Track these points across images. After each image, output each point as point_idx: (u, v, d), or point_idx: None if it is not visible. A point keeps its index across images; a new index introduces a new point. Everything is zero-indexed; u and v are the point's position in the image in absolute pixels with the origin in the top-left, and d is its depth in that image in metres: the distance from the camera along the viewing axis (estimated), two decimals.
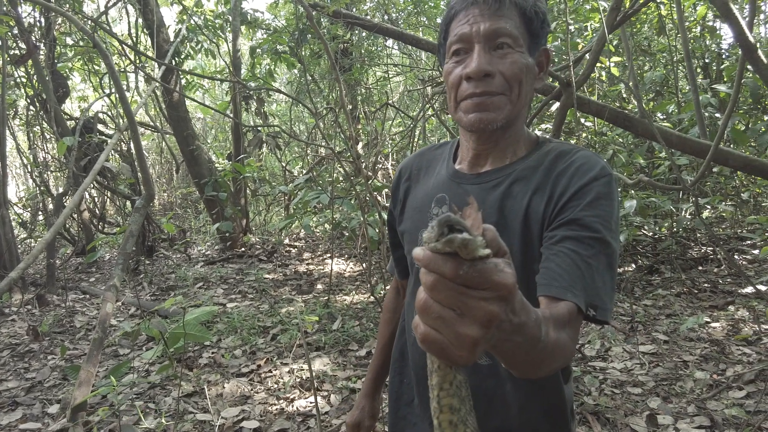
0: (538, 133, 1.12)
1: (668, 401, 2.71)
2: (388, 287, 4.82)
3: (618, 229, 0.84)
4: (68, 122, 6.31)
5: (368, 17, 6.65)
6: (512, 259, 0.78)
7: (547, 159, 0.90)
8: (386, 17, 6.25)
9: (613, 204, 0.83)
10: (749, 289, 4.08)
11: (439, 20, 7.72)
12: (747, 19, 2.64)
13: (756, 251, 5.05)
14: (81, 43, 6.17)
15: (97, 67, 7.05)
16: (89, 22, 3.18)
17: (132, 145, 6.21)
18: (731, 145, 5.45)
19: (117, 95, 6.36)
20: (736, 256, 5.12)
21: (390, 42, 7.37)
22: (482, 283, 0.43)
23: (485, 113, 0.87)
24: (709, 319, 3.68)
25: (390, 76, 7.32)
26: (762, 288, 4.17)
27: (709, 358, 3.13)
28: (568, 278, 0.75)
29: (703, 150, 3.56)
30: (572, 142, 6.38)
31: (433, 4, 7.36)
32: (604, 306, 0.77)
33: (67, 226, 7.18)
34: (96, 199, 7.62)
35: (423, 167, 1.08)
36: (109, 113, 7.13)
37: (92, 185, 6.68)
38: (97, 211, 7.17)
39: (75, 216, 6.57)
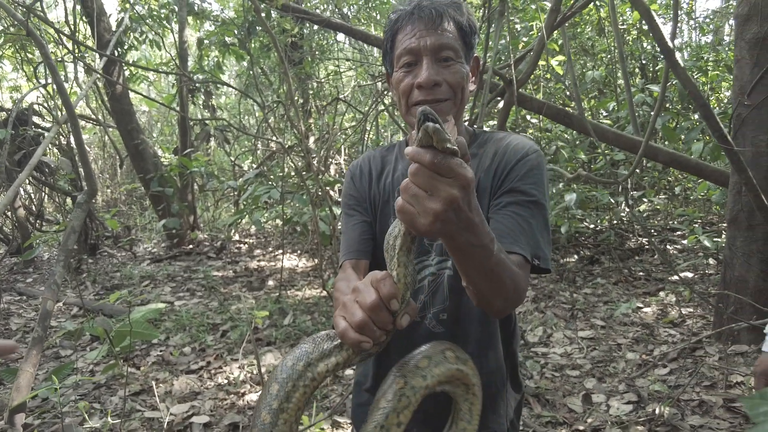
0: (474, 127, 1.21)
1: (602, 381, 2.88)
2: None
3: (548, 194, 1.03)
4: None
5: (318, 11, 6.62)
6: None
7: (486, 145, 1.08)
8: (337, 12, 6.25)
9: (543, 174, 1.01)
10: (677, 277, 4.38)
11: (390, 15, 7.79)
12: (671, 23, 2.83)
13: (685, 241, 5.41)
14: (12, 30, 5.83)
15: (30, 56, 6.68)
16: (21, 8, 3.02)
17: (72, 139, 5.95)
18: (664, 142, 5.80)
19: (54, 86, 6.06)
20: (668, 246, 5.46)
21: (341, 36, 7.37)
22: (449, 172, 0.60)
23: None
24: (641, 305, 3.93)
25: (341, 70, 7.32)
26: (688, 275, 4.49)
27: (640, 340, 3.35)
28: (514, 235, 0.92)
29: (635, 146, 3.80)
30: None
31: (384, 0, 7.41)
32: (545, 256, 0.95)
33: (0, 224, 6.80)
34: (32, 196, 7.24)
35: (376, 168, 1.17)
36: (46, 105, 6.78)
37: (28, 181, 6.34)
38: (34, 209, 6.81)
39: (9, 214, 6.23)
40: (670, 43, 2.26)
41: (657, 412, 2.43)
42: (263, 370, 3.22)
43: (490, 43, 3.36)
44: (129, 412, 2.74)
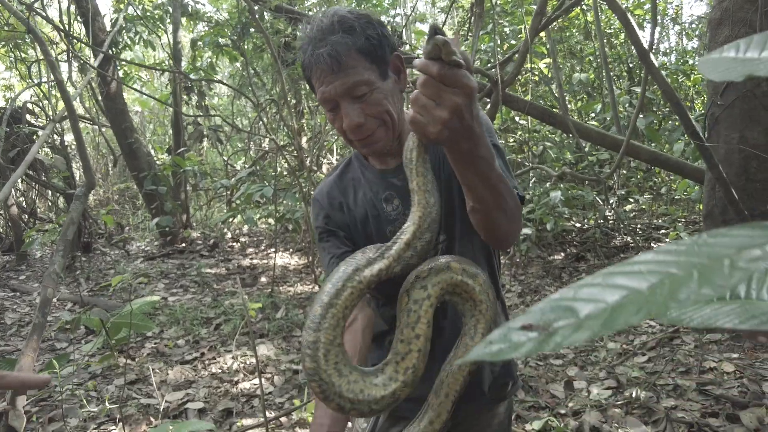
0: None
1: (584, 369, 3.00)
2: None
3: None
4: None
5: (311, 13, 6.72)
6: (441, 195, 1.03)
7: None
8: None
9: (487, 119, 1.09)
10: None
11: (382, 18, 7.88)
12: (650, 26, 2.96)
13: (668, 239, 5.56)
14: (5, 29, 5.88)
15: (24, 55, 6.73)
16: (22, 6, 3.10)
17: (69, 137, 6.00)
18: (651, 143, 5.96)
19: (49, 84, 6.12)
20: (652, 244, 5.61)
21: None
22: (455, 83, 0.69)
23: (374, 146, 1.05)
24: None
25: None
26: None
27: (621, 331, 3.47)
28: None
29: (618, 145, 3.93)
30: (510, 139, 6.71)
31: (375, 2, 7.54)
32: (516, 186, 1.03)
33: None
34: (25, 194, 7.26)
35: (347, 186, 1.19)
36: (39, 104, 6.83)
37: (21, 179, 6.38)
38: (26, 206, 6.84)
39: (2, 211, 6.26)
40: (645, 45, 2.39)
41: (634, 395, 2.55)
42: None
43: (471, 41, 3.49)
44: (126, 399, 2.81)
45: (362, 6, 7.37)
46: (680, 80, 7.27)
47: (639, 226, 6.24)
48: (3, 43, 6.21)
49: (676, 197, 6.92)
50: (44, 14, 4.09)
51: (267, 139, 7.81)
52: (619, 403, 2.55)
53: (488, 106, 5.44)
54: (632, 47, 7.61)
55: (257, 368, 2.24)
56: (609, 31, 7.86)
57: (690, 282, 0.24)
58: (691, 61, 7.71)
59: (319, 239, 1.19)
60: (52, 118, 6.54)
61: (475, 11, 3.54)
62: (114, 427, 2.59)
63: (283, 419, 2.53)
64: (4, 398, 2.07)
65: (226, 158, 7.62)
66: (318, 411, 1.06)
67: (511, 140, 6.62)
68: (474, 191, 0.86)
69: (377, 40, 1.00)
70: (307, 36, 1.00)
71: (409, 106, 0.74)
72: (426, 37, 0.69)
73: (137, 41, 6.57)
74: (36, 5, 3.65)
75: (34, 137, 6.04)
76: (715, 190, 3.08)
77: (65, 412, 2.32)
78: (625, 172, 6.63)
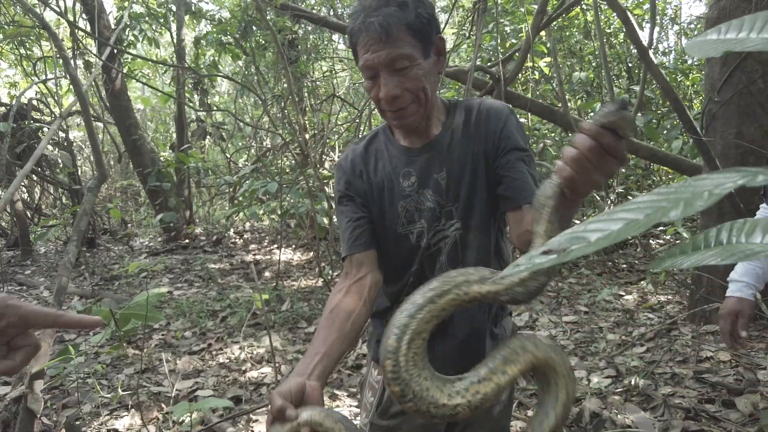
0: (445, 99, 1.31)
1: (584, 360, 3.07)
2: (337, 273, 5.01)
3: None
4: None
5: (314, 11, 6.79)
6: (462, 184, 1.16)
7: (465, 114, 1.20)
8: (332, 12, 6.42)
9: (521, 125, 1.18)
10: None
11: (348, 24, 7.96)
12: (649, 25, 3.03)
13: (668, 236, 5.63)
14: (10, 26, 5.93)
15: (29, 52, 6.79)
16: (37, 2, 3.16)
17: (73, 134, 6.05)
18: (650, 141, 6.03)
19: (56, 80, 6.17)
20: (651, 241, 5.69)
21: (336, 36, 7.54)
22: (618, 154, 0.73)
23: (404, 120, 1.11)
24: (622, 293, 4.13)
25: (335, 69, 7.49)
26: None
27: (621, 323, 3.54)
28: (530, 188, 1.09)
29: None
30: None
31: None
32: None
33: None
34: (29, 190, 7.32)
35: (369, 155, 1.25)
36: (43, 100, 6.88)
37: (26, 175, 6.44)
38: (31, 202, 6.90)
39: (8, 207, 6.32)
40: (644, 43, 2.46)
41: (633, 383, 2.62)
42: (263, 351, 3.38)
43: (474, 38, 3.55)
44: (136, 388, 2.88)
45: None
46: (679, 80, 7.34)
47: None
48: (9, 40, 6.26)
49: None
50: (57, 9, 4.15)
51: (269, 137, 7.87)
52: (619, 390, 2.62)
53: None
54: (631, 47, 7.69)
55: (271, 351, 2.31)
56: (608, 30, 7.93)
57: (677, 208, 0.31)
58: (689, 61, 7.78)
59: (338, 203, 1.24)
60: (55, 114, 6.61)
61: (477, 7, 3.61)
62: (126, 413, 2.65)
63: None
64: (23, 382, 2.14)
65: (228, 155, 7.68)
66: (315, 341, 1.06)
67: None
68: (564, 225, 0.90)
69: (426, 19, 1.05)
70: (360, 4, 1.05)
71: (564, 161, 0.76)
72: (607, 106, 0.71)
73: (141, 39, 6.63)
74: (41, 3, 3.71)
75: (39, 133, 6.10)
76: None
77: (80, 398, 2.38)
78: (623, 170, 6.71)
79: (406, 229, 1.19)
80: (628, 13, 2.42)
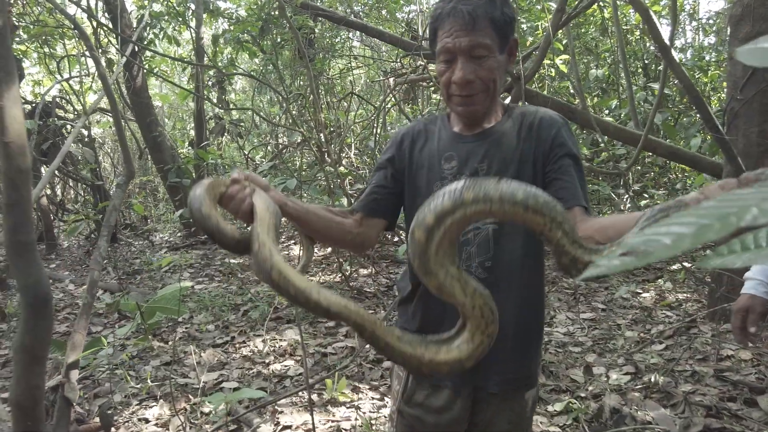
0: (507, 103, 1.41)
1: (602, 356, 3.10)
2: (355, 269, 5.07)
3: None
4: (23, 106, 6.19)
5: (331, 9, 6.83)
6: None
7: (520, 118, 1.24)
8: (349, 10, 6.46)
9: (573, 133, 1.23)
10: (676, 266, 4.58)
11: (399, 15, 7.95)
12: (669, 25, 3.03)
13: None
14: (36, 26, 6.05)
15: (53, 51, 6.91)
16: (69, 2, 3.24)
17: (95, 131, 6.16)
18: (666, 138, 6.01)
19: (81, 78, 6.29)
20: None
21: (351, 35, 7.58)
22: None
23: (470, 107, 1.18)
24: (640, 291, 4.14)
25: (352, 67, 7.54)
26: (686, 264, 4.69)
27: (639, 321, 3.56)
28: (579, 192, 1.15)
29: (635, 139, 4.00)
30: None
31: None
32: (583, 200, 1.17)
33: None
34: (53, 186, 7.48)
35: (422, 134, 1.32)
36: (66, 97, 7.01)
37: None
38: (56, 197, 7.05)
39: (34, 203, 6.46)
40: (666, 41, 2.47)
41: (653, 380, 2.65)
42: (285, 344, 3.45)
43: None
44: (164, 379, 2.96)
45: (380, 2, 7.48)
46: (697, 76, 7.28)
47: None
48: (34, 39, 6.38)
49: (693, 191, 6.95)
50: (85, 9, 4.24)
51: (286, 134, 7.94)
52: (638, 387, 2.65)
53: (508, 99, 5.52)
54: (648, 44, 7.63)
55: (301, 341, 2.37)
56: (625, 27, 7.88)
57: (749, 212, 0.35)
58: (708, 57, 7.70)
59: (376, 167, 1.35)
60: (79, 112, 6.73)
61: None
62: (155, 403, 2.73)
63: (315, 397, 2.66)
64: (60, 372, 2.22)
65: (245, 152, 7.77)
66: (311, 207, 1.20)
67: None
68: None
69: (509, 17, 1.14)
70: None
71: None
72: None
73: (161, 37, 6.73)
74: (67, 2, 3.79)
75: (63, 130, 6.23)
76: None
77: (112, 387, 2.47)
78: (640, 167, 6.68)
79: None
80: (650, 12, 2.44)
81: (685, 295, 3.95)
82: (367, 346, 3.15)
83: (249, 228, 1.01)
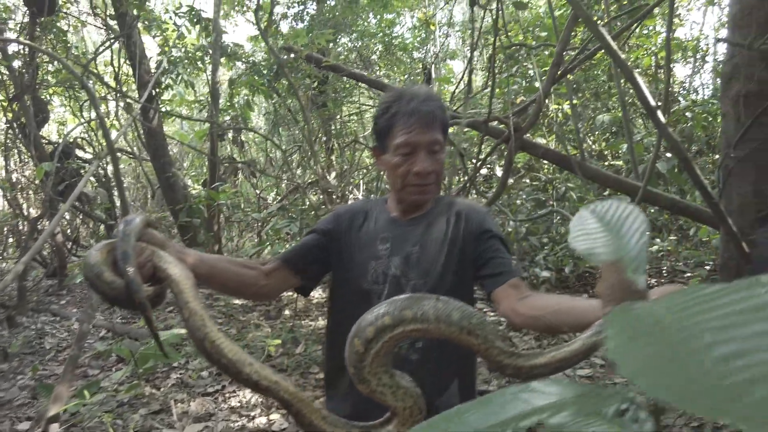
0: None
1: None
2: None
3: None
4: (46, 146, 6.48)
5: (342, 56, 7.05)
6: (435, 264, 1.32)
7: (448, 207, 1.39)
8: (359, 60, 6.65)
9: (494, 220, 1.40)
10: None
11: (408, 60, 8.14)
12: (664, 76, 3.04)
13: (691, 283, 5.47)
14: (63, 72, 6.39)
15: (78, 94, 7.25)
16: (78, 65, 3.43)
17: (110, 169, 6.39)
18: (669, 187, 5.93)
19: (99, 120, 6.56)
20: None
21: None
22: None
23: (424, 196, 1.33)
24: None
25: (361, 110, 7.71)
26: None
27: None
28: (511, 267, 1.26)
29: (637, 191, 3.96)
30: (530, 179, 6.79)
31: (408, 41, 7.84)
32: (517, 269, 1.29)
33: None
34: (69, 223, 7.71)
35: (361, 214, 1.41)
36: (88, 138, 7.31)
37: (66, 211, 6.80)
38: (70, 234, 7.26)
39: (49, 239, 6.67)
40: (652, 103, 2.48)
41: None
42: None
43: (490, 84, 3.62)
44: (148, 430, 2.97)
45: (394, 43, 7.70)
46: (709, 120, 7.21)
47: (664, 268, 6.16)
48: (59, 84, 6.72)
49: (704, 239, 6.80)
50: (97, 73, 4.47)
51: (298, 175, 8.11)
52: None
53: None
54: (657, 85, 7.63)
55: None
56: (638, 70, 7.89)
57: None
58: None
59: (311, 230, 1.42)
60: (98, 152, 7.00)
61: (492, 56, 3.70)
62: None
63: None
64: (39, 426, 2.26)
65: (258, 191, 7.93)
66: (217, 263, 1.25)
67: (535, 181, 6.69)
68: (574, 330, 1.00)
69: (449, 119, 1.38)
70: (408, 92, 1.30)
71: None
72: None
73: (178, 82, 7.00)
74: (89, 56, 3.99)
75: (81, 171, 6.47)
76: (729, 243, 3.08)
77: None
78: (652, 211, 6.58)
79: (370, 287, 1.31)
80: (635, 75, 2.45)
81: None
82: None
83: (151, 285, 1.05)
